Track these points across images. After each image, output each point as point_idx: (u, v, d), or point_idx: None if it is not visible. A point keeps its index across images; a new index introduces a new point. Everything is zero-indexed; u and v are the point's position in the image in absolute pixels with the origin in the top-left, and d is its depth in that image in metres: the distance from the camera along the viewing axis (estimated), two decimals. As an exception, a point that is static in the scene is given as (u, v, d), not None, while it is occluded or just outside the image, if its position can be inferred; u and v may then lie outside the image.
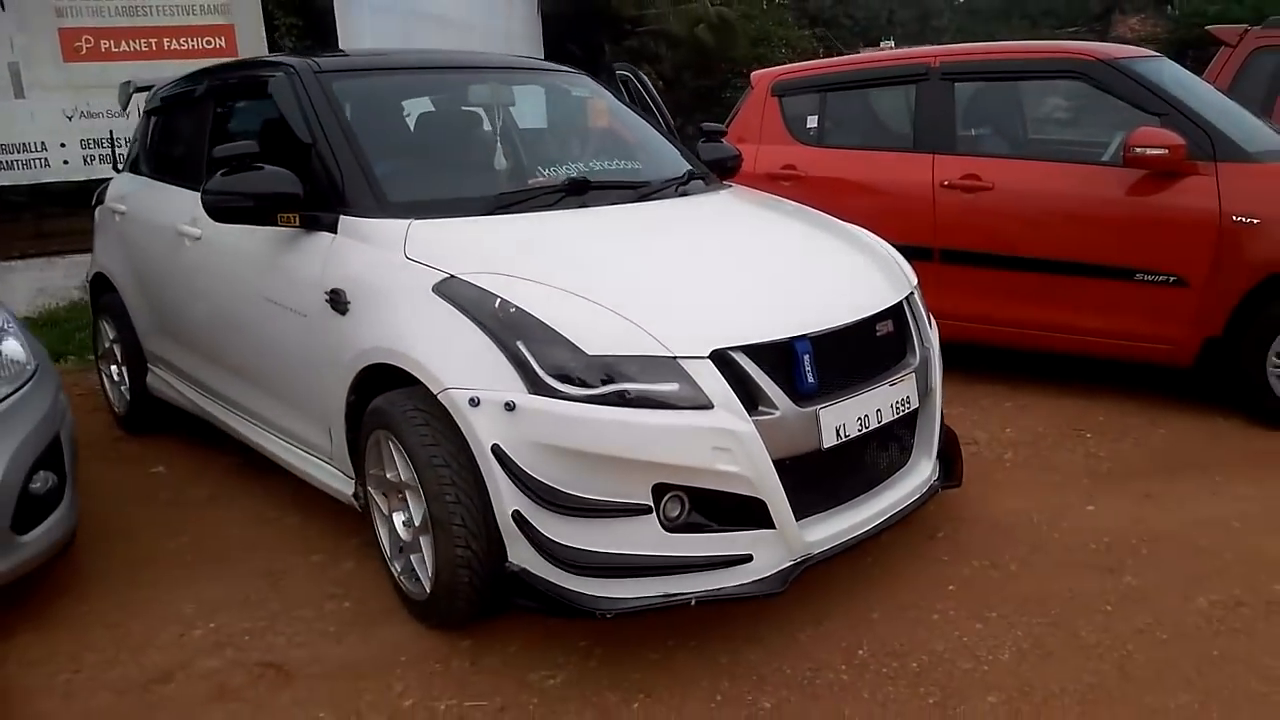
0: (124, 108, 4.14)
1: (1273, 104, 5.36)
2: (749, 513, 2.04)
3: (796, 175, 4.48)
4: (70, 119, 7.00)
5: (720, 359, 2.01)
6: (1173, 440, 3.40)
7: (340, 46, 7.42)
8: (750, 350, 2.05)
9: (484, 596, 2.14)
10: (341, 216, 2.50)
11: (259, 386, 2.89)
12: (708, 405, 1.97)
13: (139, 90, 4.00)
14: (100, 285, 3.90)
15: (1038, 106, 4.57)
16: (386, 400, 2.25)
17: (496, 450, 1.98)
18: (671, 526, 2.01)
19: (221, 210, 2.52)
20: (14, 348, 2.41)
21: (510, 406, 1.98)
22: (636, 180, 2.94)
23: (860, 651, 2.14)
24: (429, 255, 2.28)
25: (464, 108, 3.16)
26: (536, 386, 1.98)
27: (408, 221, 2.39)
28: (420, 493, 2.18)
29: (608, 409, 1.95)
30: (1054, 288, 3.81)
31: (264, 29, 7.56)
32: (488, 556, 2.09)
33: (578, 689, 2.05)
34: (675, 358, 1.99)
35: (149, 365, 3.67)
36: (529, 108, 3.37)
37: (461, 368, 2.07)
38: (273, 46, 7.92)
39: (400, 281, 2.28)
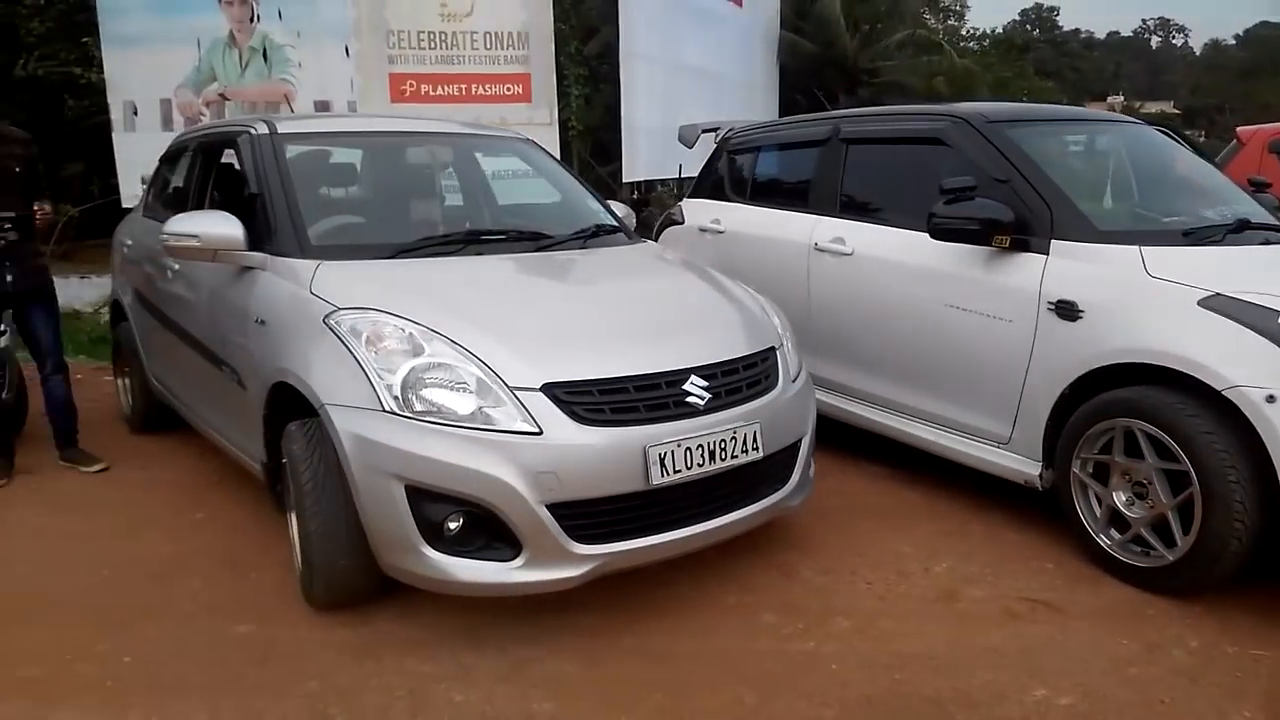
0: (690, 146, 5.05)
1: None
2: None
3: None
4: None
5: None
6: None
7: (622, 95, 8.32)
8: None
9: (1244, 562, 2.59)
10: (1054, 240, 3.08)
11: (914, 381, 3.50)
12: None
13: (706, 131, 4.89)
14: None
15: None
16: (1138, 393, 2.76)
17: (1294, 440, 2.44)
18: None
19: (948, 231, 3.19)
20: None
21: (1315, 405, 2.43)
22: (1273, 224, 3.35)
23: None
24: (1175, 275, 2.79)
25: (1098, 153, 3.70)
26: (1338, 390, 2.42)
27: (1136, 247, 2.93)
28: (1164, 475, 2.68)
29: None
30: None
31: (555, 78, 8.55)
32: (1255, 527, 2.54)
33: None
34: None
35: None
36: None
37: (1245, 367, 2.54)
38: (561, 95, 8.92)
39: (1151, 296, 2.80)
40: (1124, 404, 2.80)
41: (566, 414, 2.38)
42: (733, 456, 2.59)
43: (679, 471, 2.47)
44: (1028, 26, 39.81)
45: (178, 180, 3.96)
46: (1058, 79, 30.35)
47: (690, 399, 2.54)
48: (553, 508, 2.35)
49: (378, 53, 8.08)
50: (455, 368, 2.41)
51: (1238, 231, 3.15)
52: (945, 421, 3.43)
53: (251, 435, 3.00)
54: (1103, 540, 2.90)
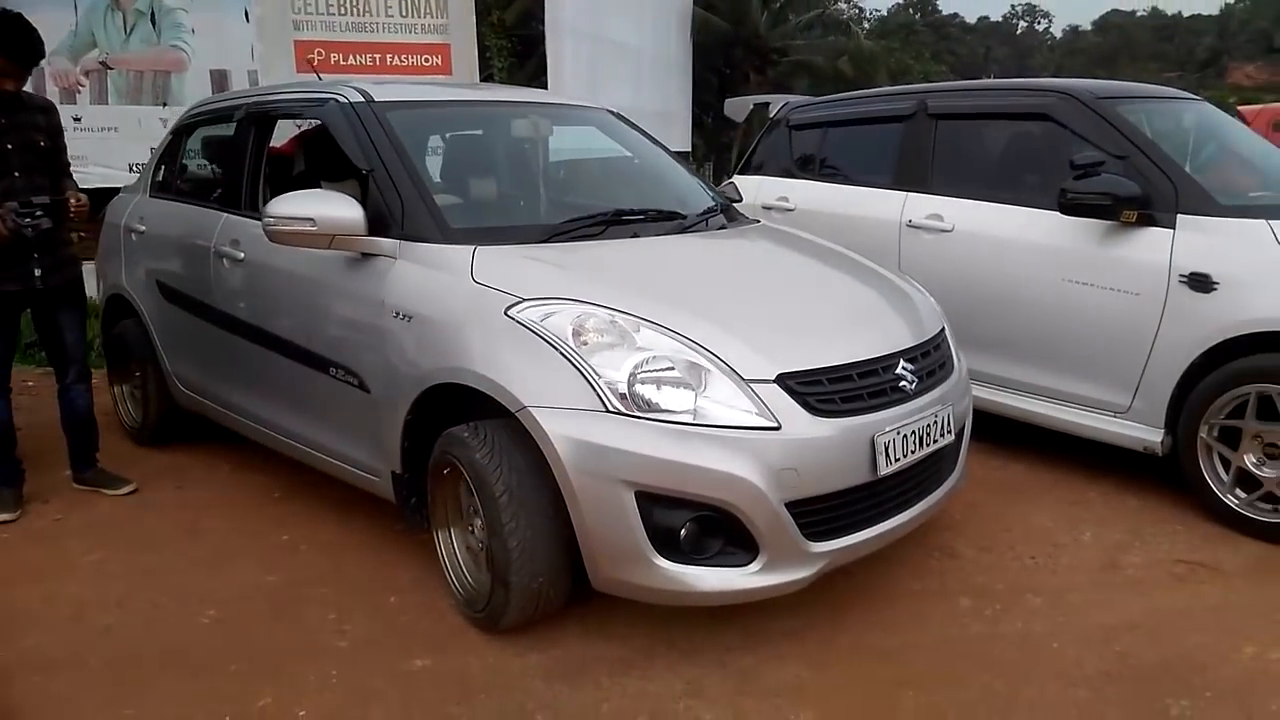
0: (740, 120, 5.01)
1: None
2: None
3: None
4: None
5: None
6: None
7: (549, 69, 8.28)
8: None
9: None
10: (1180, 215, 3.24)
11: (1026, 356, 3.62)
12: None
13: (758, 106, 4.87)
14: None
15: None
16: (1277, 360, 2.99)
17: None
18: None
19: (1079, 206, 3.32)
20: None
21: None
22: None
23: None
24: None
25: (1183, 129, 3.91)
26: None
27: (1263, 221, 3.13)
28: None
29: None
30: None
31: (476, 51, 8.34)
32: None
33: None
34: None
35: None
36: None
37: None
38: (483, 68, 8.57)
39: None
40: (1259, 371, 3.01)
41: (802, 405, 2.33)
42: (933, 441, 2.62)
43: (898, 460, 2.47)
44: (910, 10, 41.88)
45: (206, 158, 3.54)
46: (937, 61, 32.32)
47: (903, 384, 2.54)
48: (790, 505, 2.30)
49: (281, 18, 7.49)
50: (680, 360, 2.30)
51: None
52: (1059, 395, 3.57)
53: (373, 444, 2.76)
54: (1230, 500, 3.13)
